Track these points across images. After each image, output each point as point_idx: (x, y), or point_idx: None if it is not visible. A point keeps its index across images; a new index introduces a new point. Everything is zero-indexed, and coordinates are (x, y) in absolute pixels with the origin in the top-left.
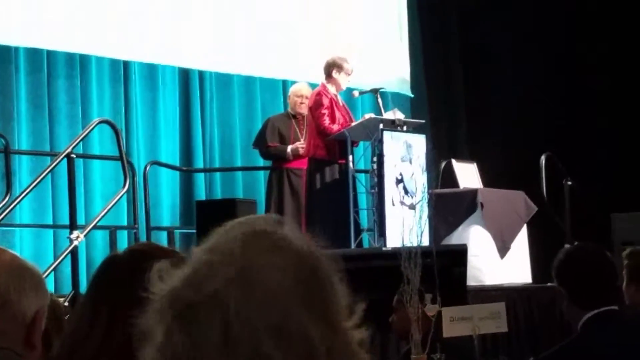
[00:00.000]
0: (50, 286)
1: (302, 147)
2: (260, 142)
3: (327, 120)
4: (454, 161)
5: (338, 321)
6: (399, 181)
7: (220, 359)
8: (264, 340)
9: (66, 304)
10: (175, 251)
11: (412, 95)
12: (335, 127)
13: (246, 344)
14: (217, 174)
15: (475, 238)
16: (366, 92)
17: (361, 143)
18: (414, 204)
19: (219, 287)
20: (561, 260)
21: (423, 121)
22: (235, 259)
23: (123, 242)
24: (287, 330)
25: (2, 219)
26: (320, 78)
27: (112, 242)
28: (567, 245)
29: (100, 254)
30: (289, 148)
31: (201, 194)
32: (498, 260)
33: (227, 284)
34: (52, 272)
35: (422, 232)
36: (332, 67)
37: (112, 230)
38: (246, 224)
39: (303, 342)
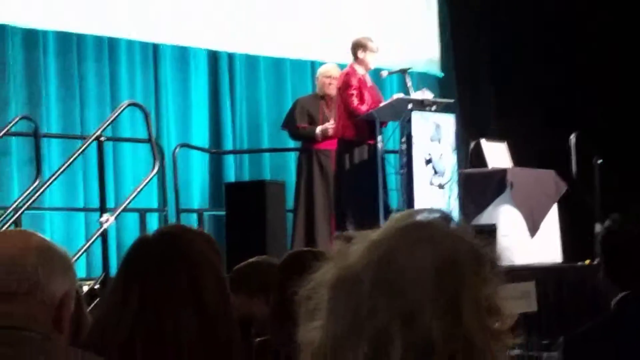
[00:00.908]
0: (81, 269)
1: (332, 128)
2: (290, 123)
3: (355, 101)
4: (483, 141)
5: (473, 319)
6: (428, 161)
7: (349, 334)
8: (389, 323)
9: (97, 286)
10: (203, 232)
11: (441, 75)
12: (363, 108)
13: (372, 323)
14: (246, 156)
15: (505, 217)
16: (395, 72)
17: (390, 123)
18: (443, 184)
19: (360, 268)
20: (609, 231)
21: (452, 101)
22: (383, 245)
23: (153, 225)
24: (411, 318)
25: (33, 202)
26: (349, 59)
27: (142, 224)
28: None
29: (131, 236)
30: (319, 129)
31: (230, 176)
32: (528, 240)
33: (367, 266)
34: (83, 255)
35: (451, 212)
36: (357, 48)
37: (142, 213)
38: (412, 215)
39: (423, 332)
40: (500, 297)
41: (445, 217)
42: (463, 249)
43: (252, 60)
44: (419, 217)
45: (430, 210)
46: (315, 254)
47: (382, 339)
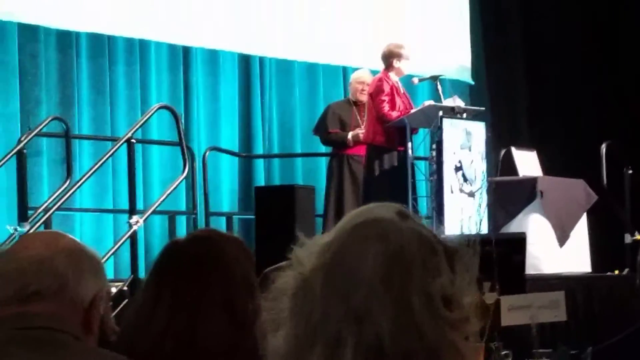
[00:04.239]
0: (109, 271)
1: (363, 133)
2: (321, 129)
3: (386, 107)
4: (513, 149)
5: (423, 310)
6: (458, 169)
7: (304, 341)
8: (340, 326)
9: (125, 288)
10: (236, 237)
11: (473, 83)
12: (394, 114)
13: (325, 328)
14: (277, 160)
15: (535, 226)
16: (426, 79)
17: (420, 130)
18: (473, 191)
19: (310, 274)
20: None
21: (483, 109)
22: (333, 247)
23: (182, 228)
24: (361, 316)
25: (63, 203)
26: (381, 64)
27: (171, 227)
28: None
29: (159, 239)
30: (350, 134)
31: (260, 180)
32: (557, 249)
33: (316, 270)
34: (112, 257)
35: (481, 220)
36: (391, 57)
37: (171, 216)
38: (364, 213)
39: (373, 332)
40: (459, 285)
41: (400, 212)
42: (412, 240)
43: (284, 65)
44: (372, 214)
45: (384, 206)
46: None
47: (335, 343)
